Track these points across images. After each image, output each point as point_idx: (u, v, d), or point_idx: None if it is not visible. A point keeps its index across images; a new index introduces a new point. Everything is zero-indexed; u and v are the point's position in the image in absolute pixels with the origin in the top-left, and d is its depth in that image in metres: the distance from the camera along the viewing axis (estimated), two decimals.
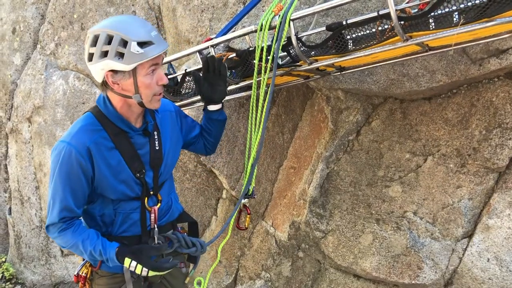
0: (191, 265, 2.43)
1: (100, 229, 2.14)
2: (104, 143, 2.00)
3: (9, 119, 5.50)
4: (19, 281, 5.56)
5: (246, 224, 2.63)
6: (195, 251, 2.20)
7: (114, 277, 2.17)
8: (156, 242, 2.14)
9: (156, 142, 2.15)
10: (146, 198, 2.14)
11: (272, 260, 3.51)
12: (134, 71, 1.86)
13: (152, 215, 2.15)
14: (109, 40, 1.82)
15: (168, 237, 2.20)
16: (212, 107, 2.43)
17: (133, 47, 1.79)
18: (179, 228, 2.45)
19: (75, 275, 2.23)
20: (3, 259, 5.83)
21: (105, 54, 1.83)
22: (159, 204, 2.20)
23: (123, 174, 2.04)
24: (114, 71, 1.87)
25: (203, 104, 2.46)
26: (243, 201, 2.48)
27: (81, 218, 2.13)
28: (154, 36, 1.83)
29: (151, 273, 2.00)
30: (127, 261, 1.97)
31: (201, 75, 2.35)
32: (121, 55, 1.82)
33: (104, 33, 1.82)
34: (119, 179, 2.04)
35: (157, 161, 2.15)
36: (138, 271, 1.97)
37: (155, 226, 2.16)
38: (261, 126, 2.25)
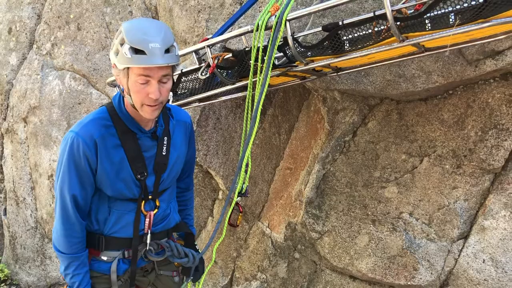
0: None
1: (93, 226, 2.12)
2: (111, 139, 2.00)
3: (4, 119, 5.47)
4: (14, 282, 5.52)
5: (238, 222, 2.63)
6: (186, 261, 2.21)
7: (101, 278, 2.14)
8: (148, 247, 2.13)
9: (164, 148, 2.12)
10: (143, 202, 2.11)
11: (268, 261, 3.50)
12: (127, 72, 1.85)
13: (147, 219, 2.12)
14: (118, 35, 1.87)
15: (161, 245, 2.19)
16: None
17: (125, 49, 1.80)
18: (175, 238, 2.40)
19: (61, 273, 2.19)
20: None
21: (112, 46, 1.90)
22: (156, 210, 2.14)
23: (123, 172, 2.02)
24: (115, 65, 1.89)
25: None
26: (236, 199, 2.47)
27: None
28: (152, 48, 1.77)
29: None
30: None
31: None
32: (117, 53, 1.84)
33: (120, 28, 1.87)
34: (119, 177, 2.02)
35: (161, 166, 2.11)
36: None
37: (149, 231, 2.13)
38: (255, 126, 2.24)
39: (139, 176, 2.05)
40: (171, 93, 1.96)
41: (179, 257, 2.21)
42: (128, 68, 1.83)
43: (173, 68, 1.92)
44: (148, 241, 2.13)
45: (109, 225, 2.10)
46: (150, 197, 2.12)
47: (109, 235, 2.11)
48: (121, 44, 1.82)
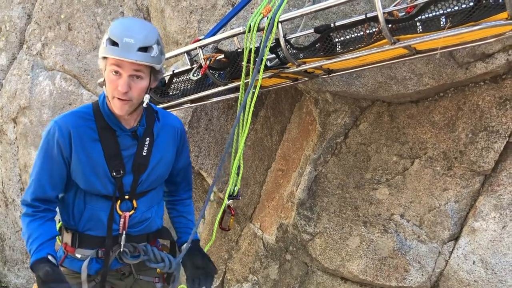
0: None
1: (69, 221, 2.12)
2: (89, 132, 2.02)
3: None
4: (3, 285, 5.47)
5: (230, 226, 2.60)
6: (163, 266, 2.18)
7: (75, 277, 2.12)
8: (122, 249, 2.11)
9: (145, 148, 2.10)
10: (119, 201, 2.09)
11: (260, 263, 3.50)
12: (106, 63, 1.91)
13: (122, 220, 2.10)
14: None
15: (137, 248, 2.16)
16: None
17: (104, 39, 1.88)
18: (159, 245, 2.36)
19: None
20: None
21: None
22: (132, 211, 2.12)
23: (98, 167, 2.03)
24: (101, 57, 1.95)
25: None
26: (227, 202, 2.45)
27: (51, 209, 2.10)
28: (125, 42, 1.83)
29: None
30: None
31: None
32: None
33: None
34: (93, 171, 2.02)
35: (140, 166, 2.10)
36: None
37: (124, 232, 2.12)
38: (246, 128, 2.24)
39: (114, 174, 2.05)
40: (147, 96, 1.96)
41: (155, 262, 2.18)
42: (106, 58, 1.90)
43: (153, 70, 1.94)
44: (122, 242, 2.11)
45: (83, 222, 2.10)
46: (127, 197, 2.11)
47: (84, 232, 2.11)
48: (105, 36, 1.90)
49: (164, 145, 2.20)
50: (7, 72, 5.23)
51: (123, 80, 1.88)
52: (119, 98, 1.91)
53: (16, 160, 5.15)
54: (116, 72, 1.88)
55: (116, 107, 1.94)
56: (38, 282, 1.96)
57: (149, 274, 2.28)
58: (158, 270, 2.26)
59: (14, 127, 5.12)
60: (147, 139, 2.12)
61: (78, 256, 2.12)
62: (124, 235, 2.11)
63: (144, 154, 2.10)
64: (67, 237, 2.14)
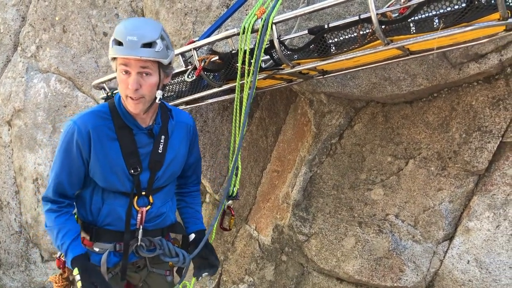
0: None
1: (87, 216, 2.18)
2: (107, 132, 2.07)
3: None
4: None
5: (230, 226, 2.62)
6: (177, 261, 2.24)
7: None
8: (139, 243, 2.17)
9: (161, 146, 2.17)
10: (136, 197, 2.15)
11: (256, 264, 3.50)
12: (116, 63, 1.95)
13: (139, 215, 2.16)
14: None
15: (153, 242, 2.21)
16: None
17: (111, 41, 1.93)
18: (171, 239, 2.42)
19: (57, 258, 2.27)
20: None
21: None
22: (149, 206, 2.19)
23: (117, 166, 2.08)
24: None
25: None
26: (227, 202, 2.48)
27: (72, 204, 2.17)
28: (129, 40, 1.87)
29: None
30: (75, 271, 2.06)
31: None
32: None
33: None
34: (112, 169, 2.08)
35: (156, 164, 2.16)
36: (78, 285, 2.06)
37: (141, 227, 2.17)
38: (244, 130, 2.24)
39: (132, 171, 2.11)
40: (159, 91, 1.99)
41: (170, 256, 2.24)
42: (116, 60, 1.94)
43: (161, 65, 1.97)
44: (139, 237, 2.17)
45: (101, 217, 2.16)
46: (143, 193, 2.17)
47: (102, 227, 2.17)
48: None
49: (178, 142, 2.26)
50: (1, 74, 5.20)
51: (132, 78, 1.92)
52: (131, 97, 1.96)
53: (11, 163, 5.13)
54: (126, 71, 1.92)
55: (131, 106, 2.00)
56: (82, 277, 2.03)
57: (161, 267, 2.36)
58: (170, 263, 2.34)
59: (9, 130, 5.10)
60: (162, 137, 2.18)
61: (96, 249, 2.18)
62: (141, 230, 2.18)
63: (160, 151, 2.17)
64: (85, 232, 2.20)
